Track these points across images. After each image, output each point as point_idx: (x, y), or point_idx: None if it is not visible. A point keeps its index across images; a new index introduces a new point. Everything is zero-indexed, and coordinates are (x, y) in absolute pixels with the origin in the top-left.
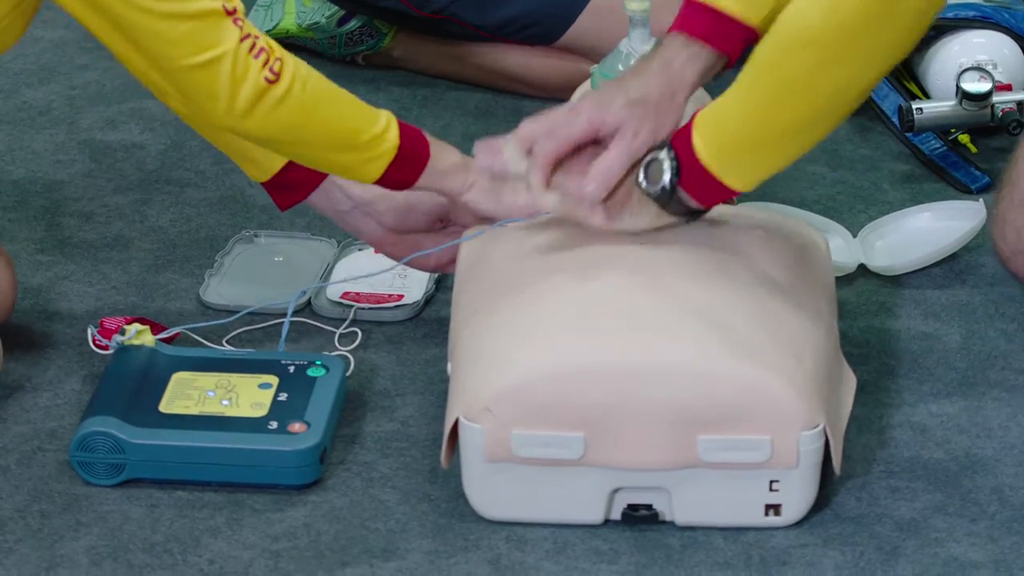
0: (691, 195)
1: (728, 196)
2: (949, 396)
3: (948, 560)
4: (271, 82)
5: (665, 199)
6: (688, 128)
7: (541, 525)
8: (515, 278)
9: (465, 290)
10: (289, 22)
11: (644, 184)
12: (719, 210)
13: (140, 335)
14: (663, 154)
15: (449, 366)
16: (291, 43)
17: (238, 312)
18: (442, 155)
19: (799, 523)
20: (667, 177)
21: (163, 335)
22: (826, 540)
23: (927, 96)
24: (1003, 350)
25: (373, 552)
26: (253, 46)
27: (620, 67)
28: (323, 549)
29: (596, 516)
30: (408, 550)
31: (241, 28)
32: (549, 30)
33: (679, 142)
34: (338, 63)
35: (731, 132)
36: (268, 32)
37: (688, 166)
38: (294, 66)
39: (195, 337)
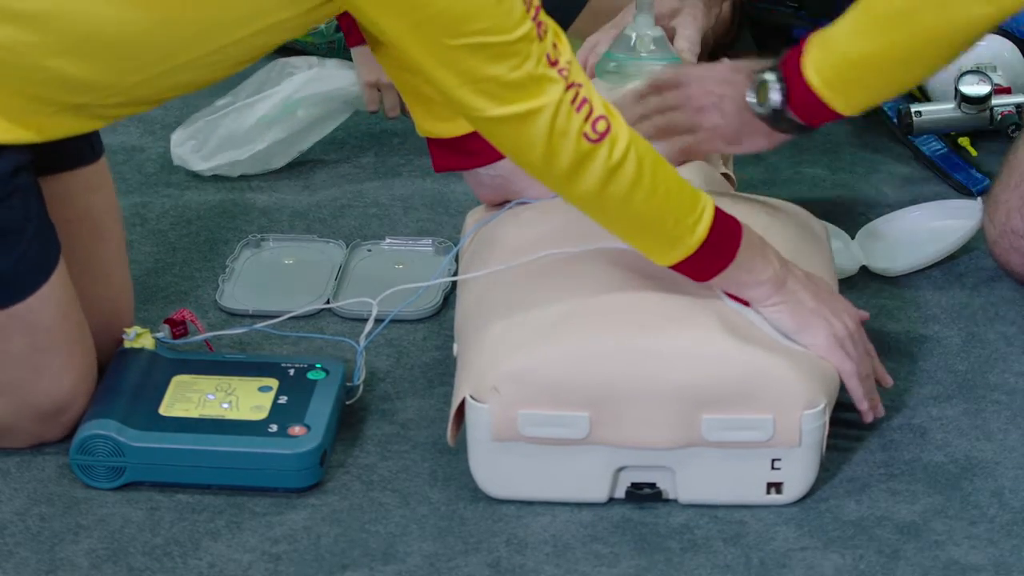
0: (798, 116)
1: (834, 118)
2: (949, 399)
3: (948, 563)
4: (593, 141)
5: (775, 119)
6: (798, 51)
7: (541, 527)
8: (522, 261)
9: (472, 272)
10: None
11: (753, 104)
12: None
13: (140, 338)
14: (771, 75)
15: (455, 346)
16: (289, 47)
17: (271, 317)
18: (754, 261)
19: (799, 525)
20: (776, 98)
21: (195, 338)
22: (826, 543)
23: (927, 98)
24: (1003, 353)
25: (373, 555)
26: (576, 96)
27: (626, 52)
28: (323, 552)
29: (601, 495)
30: (408, 553)
31: (566, 77)
32: None
33: (788, 64)
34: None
35: (839, 56)
36: None
37: (796, 88)
38: (627, 134)
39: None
